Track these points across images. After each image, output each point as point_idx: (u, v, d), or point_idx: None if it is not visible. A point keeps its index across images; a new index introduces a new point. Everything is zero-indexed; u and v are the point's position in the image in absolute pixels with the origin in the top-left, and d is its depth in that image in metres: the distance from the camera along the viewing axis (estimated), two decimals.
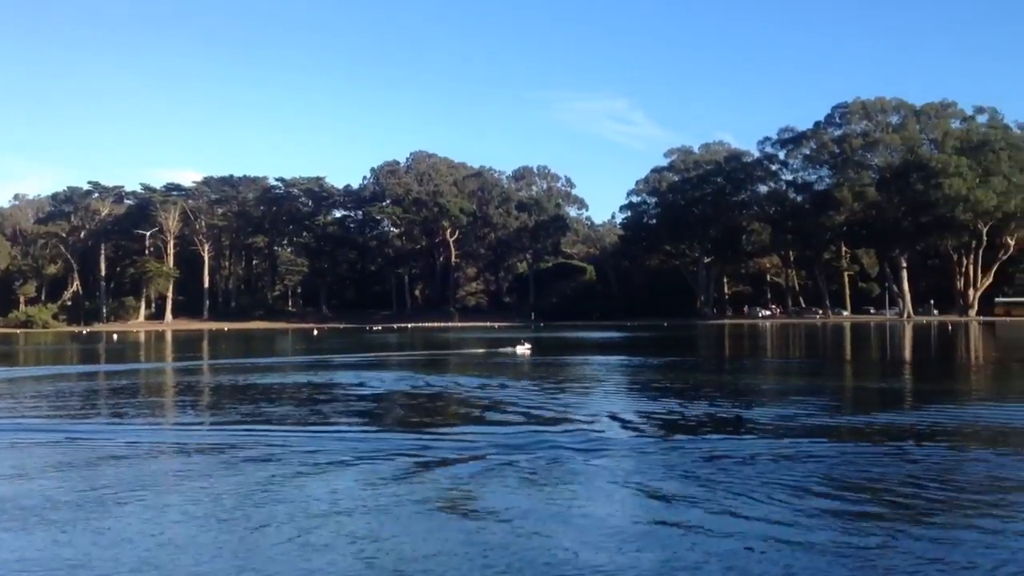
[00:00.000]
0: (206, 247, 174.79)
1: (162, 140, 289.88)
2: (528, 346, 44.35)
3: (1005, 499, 9.01)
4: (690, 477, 10.26)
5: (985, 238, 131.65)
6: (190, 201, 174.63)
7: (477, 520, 8.42)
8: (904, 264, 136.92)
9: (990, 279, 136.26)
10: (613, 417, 16.26)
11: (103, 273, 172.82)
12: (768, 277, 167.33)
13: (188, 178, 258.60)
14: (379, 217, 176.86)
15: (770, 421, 15.38)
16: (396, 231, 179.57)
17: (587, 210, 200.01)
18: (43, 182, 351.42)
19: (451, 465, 11.30)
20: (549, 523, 8.28)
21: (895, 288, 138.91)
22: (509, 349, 44.36)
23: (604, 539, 7.69)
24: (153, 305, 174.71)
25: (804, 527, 7.96)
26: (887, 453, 11.62)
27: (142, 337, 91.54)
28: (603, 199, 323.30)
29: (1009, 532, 7.69)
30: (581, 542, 7.58)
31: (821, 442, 12.65)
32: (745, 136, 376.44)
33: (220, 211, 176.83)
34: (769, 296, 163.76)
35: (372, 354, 43.94)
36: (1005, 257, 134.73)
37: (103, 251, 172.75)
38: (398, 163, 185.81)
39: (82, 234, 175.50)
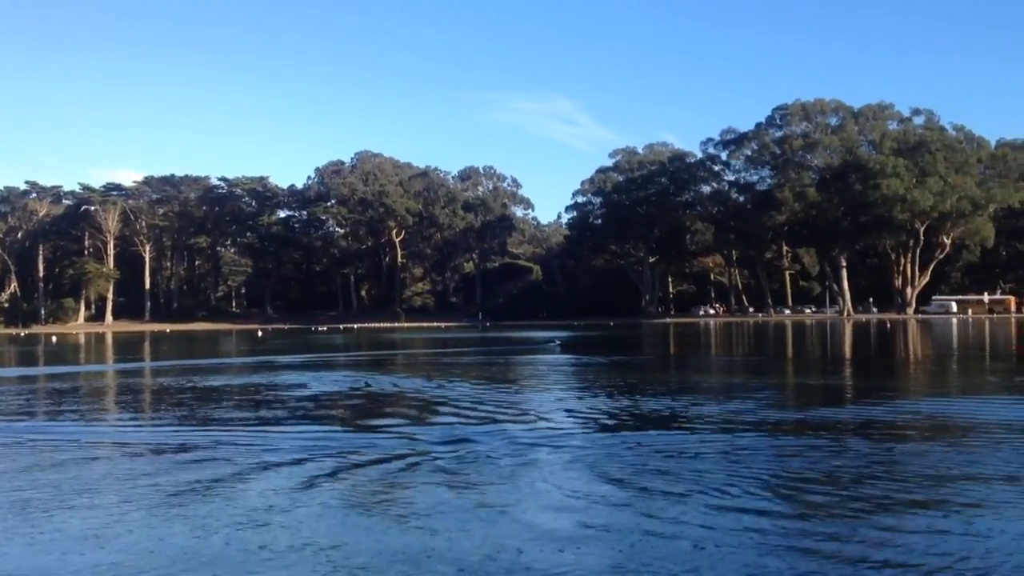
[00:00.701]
0: (147, 248, 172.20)
1: (101, 139, 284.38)
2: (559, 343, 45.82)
3: (944, 489, 9.29)
4: (636, 473, 10.42)
5: (922, 237, 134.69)
6: (130, 201, 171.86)
7: (417, 518, 8.45)
8: (844, 263, 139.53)
9: (927, 278, 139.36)
10: (559, 413, 16.41)
11: (41, 274, 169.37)
12: (712, 276, 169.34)
13: (128, 178, 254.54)
14: (324, 217, 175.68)
15: (715, 416, 15.63)
16: (341, 231, 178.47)
17: (533, 210, 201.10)
18: None
19: (392, 462, 11.33)
20: (490, 520, 8.35)
21: (835, 287, 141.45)
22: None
23: (547, 537, 7.75)
24: (93, 307, 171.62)
25: (751, 522, 8.13)
26: (829, 447, 11.90)
27: (82, 339, 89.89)
28: (549, 199, 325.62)
29: (954, 521, 7.95)
30: (523, 540, 7.64)
31: (765, 437, 12.91)
32: (688, 137, 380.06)
33: (161, 211, 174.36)
34: (713, 295, 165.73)
35: (318, 355, 43.66)
36: (941, 256, 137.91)
37: (41, 252, 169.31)
38: (343, 163, 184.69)
39: (19, 235, 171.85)
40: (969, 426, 13.96)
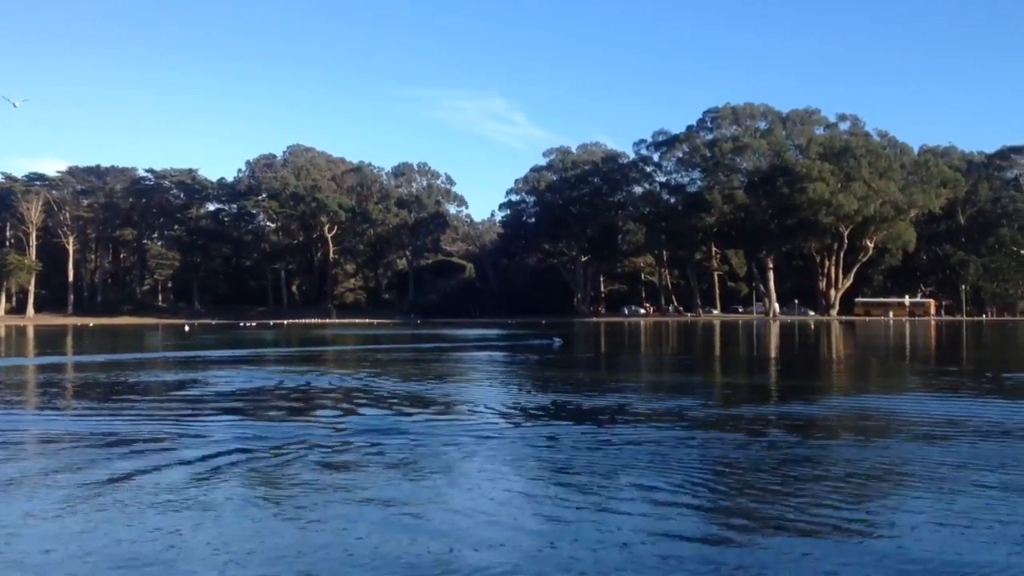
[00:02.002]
0: (71, 239, 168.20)
1: (24, 128, 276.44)
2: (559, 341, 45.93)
3: (866, 482, 9.63)
4: (564, 467, 10.58)
5: (846, 241, 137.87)
6: (54, 192, 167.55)
7: (345, 511, 8.49)
8: (771, 265, 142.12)
9: (850, 280, 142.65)
10: (489, 407, 16.55)
11: None
12: (643, 276, 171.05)
13: (52, 168, 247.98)
14: (255, 211, 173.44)
15: (644, 412, 15.90)
16: (272, 226, 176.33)
17: (467, 208, 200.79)
18: None
19: (321, 453, 11.34)
20: (423, 513, 8.44)
21: (762, 288, 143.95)
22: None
23: (480, 531, 7.83)
24: (14, 299, 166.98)
25: (676, 517, 8.33)
26: (755, 442, 12.20)
27: (2, 332, 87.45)
28: (483, 197, 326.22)
29: (874, 511, 8.27)
30: (455, 536, 7.70)
31: (692, 432, 13.18)
32: (621, 138, 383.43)
33: (86, 202, 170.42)
34: (644, 295, 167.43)
35: (247, 351, 43.14)
36: (865, 259, 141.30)
37: None
38: (275, 156, 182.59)
39: None
40: (886, 421, 14.42)
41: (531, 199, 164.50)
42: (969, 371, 27.91)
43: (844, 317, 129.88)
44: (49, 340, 63.31)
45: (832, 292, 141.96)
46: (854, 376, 26.90)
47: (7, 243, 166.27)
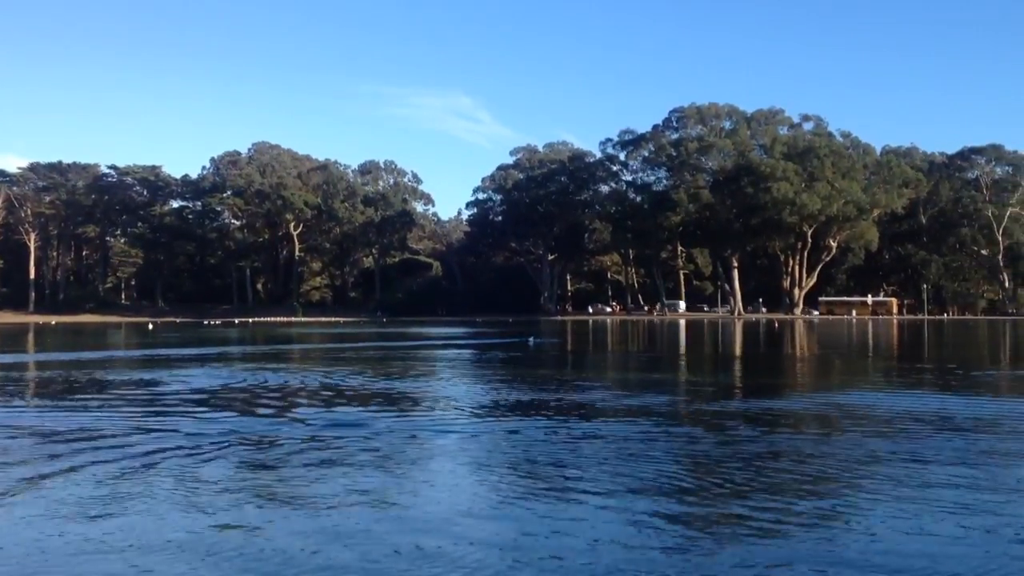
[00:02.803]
0: (32, 236, 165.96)
1: None
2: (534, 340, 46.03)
3: (832, 476, 9.73)
4: (530, 462, 10.59)
5: (810, 240, 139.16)
6: (14, 188, 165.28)
7: (307, 506, 8.45)
8: (735, 264, 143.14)
9: (814, 279, 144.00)
10: (456, 403, 16.55)
11: None
12: (609, 275, 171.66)
13: (12, 163, 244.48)
14: (219, 208, 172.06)
15: (610, 408, 15.95)
16: (237, 223, 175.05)
17: (434, 206, 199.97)
18: None
19: (284, 447, 11.27)
20: (387, 508, 8.42)
21: (727, 287, 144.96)
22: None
23: (443, 525, 7.82)
24: None
25: (645, 513, 8.37)
26: (722, 437, 12.29)
27: None
28: (450, 195, 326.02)
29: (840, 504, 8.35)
30: (421, 530, 7.68)
31: (658, 427, 13.24)
32: (587, 137, 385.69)
33: (47, 199, 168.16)
34: (610, 293, 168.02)
35: (211, 348, 42.81)
36: (828, 259, 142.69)
37: None
38: (239, 154, 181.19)
39: None
40: (851, 417, 14.57)
41: (498, 198, 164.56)
42: (932, 368, 28.27)
43: (808, 316, 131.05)
44: (10, 338, 62.42)
45: (796, 291, 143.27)
46: (818, 373, 27.16)
47: None
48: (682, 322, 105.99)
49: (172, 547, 7.09)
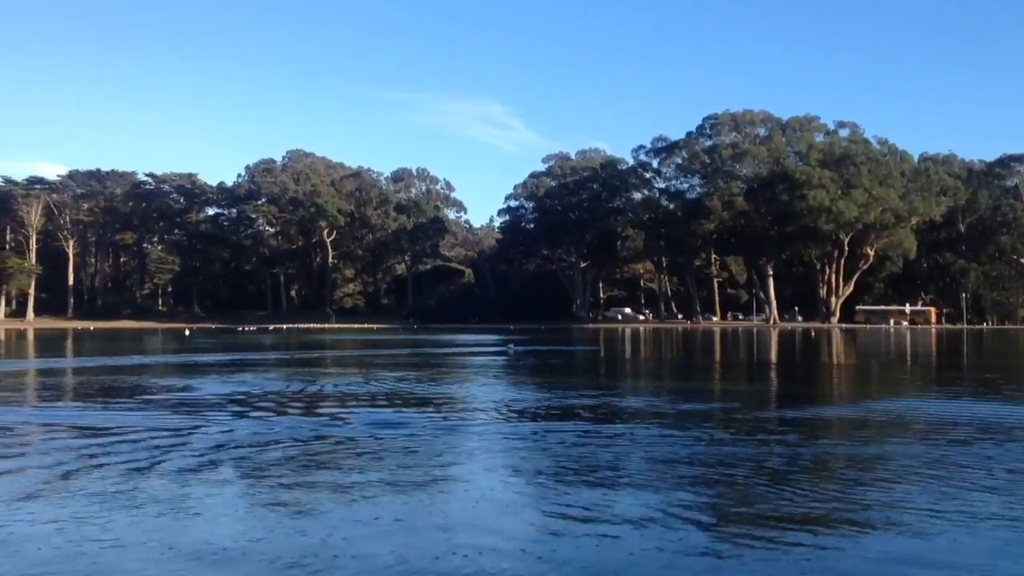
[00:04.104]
0: (71, 243, 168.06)
1: (24, 132, 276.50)
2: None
3: (861, 477, 9.55)
4: (561, 463, 10.50)
5: (846, 248, 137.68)
6: (54, 195, 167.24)
7: (346, 504, 8.45)
8: (771, 272, 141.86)
9: (851, 288, 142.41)
10: (489, 405, 16.48)
11: None
12: (642, 282, 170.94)
13: (52, 171, 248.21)
14: (254, 215, 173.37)
15: (643, 412, 15.80)
16: (272, 230, 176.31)
17: (466, 213, 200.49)
18: None
19: (327, 446, 11.27)
20: (424, 507, 8.38)
21: (762, 295, 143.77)
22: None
23: (477, 528, 7.76)
24: (14, 303, 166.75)
25: (679, 518, 8.24)
26: (755, 441, 12.11)
27: (2, 335, 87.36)
28: (482, 203, 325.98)
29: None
30: (452, 530, 7.64)
31: (684, 431, 13.08)
32: (620, 144, 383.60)
33: (86, 206, 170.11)
34: (643, 301, 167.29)
35: (251, 354, 43.09)
36: (865, 267, 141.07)
37: None
38: (274, 161, 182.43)
39: None
40: (897, 423, 14.32)
41: (530, 205, 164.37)
42: (975, 379, 27.83)
43: (845, 325, 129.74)
44: (49, 344, 63.23)
45: (833, 300, 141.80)
46: (861, 382, 26.81)
47: (7, 247, 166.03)
48: (716, 330, 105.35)
49: (215, 542, 7.10)
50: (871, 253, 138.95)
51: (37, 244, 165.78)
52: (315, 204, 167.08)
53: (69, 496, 8.81)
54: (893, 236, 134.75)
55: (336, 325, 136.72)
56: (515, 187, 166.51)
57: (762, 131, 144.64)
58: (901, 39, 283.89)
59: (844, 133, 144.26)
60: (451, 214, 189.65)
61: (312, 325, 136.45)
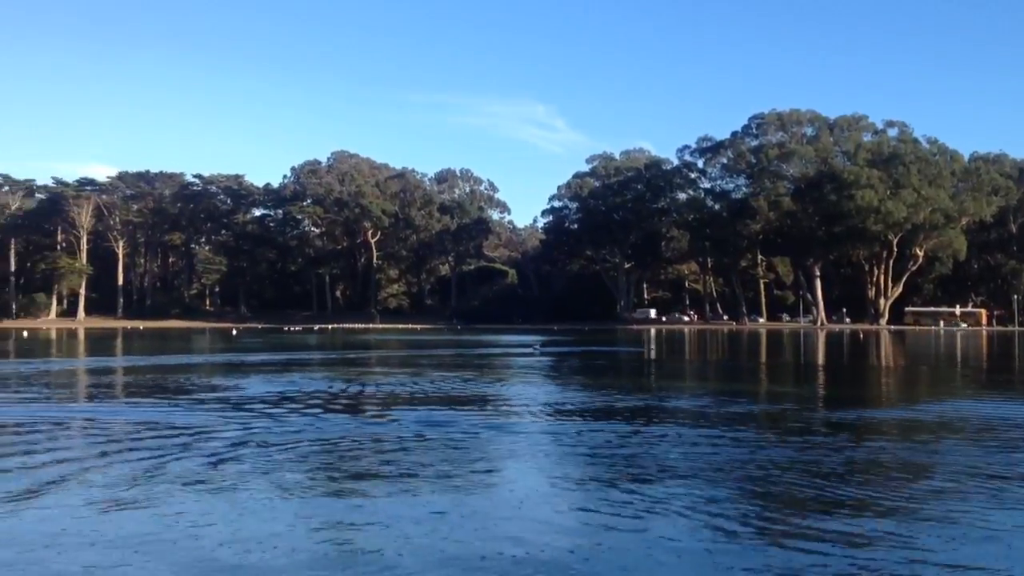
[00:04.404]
0: (120, 244, 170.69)
1: (75, 134, 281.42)
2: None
3: (912, 482, 9.42)
4: (606, 462, 10.46)
5: (896, 249, 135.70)
6: (104, 196, 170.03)
7: (396, 503, 8.50)
8: (818, 273, 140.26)
9: (900, 289, 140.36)
10: (531, 406, 16.48)
11: (13, 269, 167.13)
12: (687, 283, 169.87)
13: (102, 173, 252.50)
14: (300, 216, 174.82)
15: (690, 412, 15.70)
16: (317, 231, 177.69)
17: (509, 214, 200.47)
18: None
19: (380, 445, 11.35)
20: (471, 506, 8.41)
21: (809, 296, 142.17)
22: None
23: (521, 529, 7.75)
24: (65, 302, 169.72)
25: (725, 516, 8.18)
26: (802, 443, 11.99)
27: (53, 335, 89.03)
28: (525, 203, 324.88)
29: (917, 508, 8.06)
30: (495, 528, 7.65)
31: (727, 433, 12.98)
32: (665, 144, 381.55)
33: (135, 207, 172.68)
34: (687, 302, 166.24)
35: (301, 354, 43.51)
36: (914, 268, 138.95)
37: (13, 246, 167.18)
38: (319, 163, 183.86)
39: None
40: (954, 426, 14.11)
41: (574, 205, 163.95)
42: None
43: (893, 326, 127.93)
44: (101, 343, 64.33)
45: (881, 301, 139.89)
46: (916, 385, 26.44)
47: (59, 247, 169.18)
48: (763, 332, 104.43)
49: (271, 538, 7.19)
50: (920, 254, 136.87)
51: (88, 244, 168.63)
52: (360, 205, 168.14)
53: (166, 485, 8.94)
54: (943, 237, 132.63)
55: (380, 325, 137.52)
56: (559, 188, 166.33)
57: (809, 131, 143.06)
58: (952, 38, 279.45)
59: (893, 132, 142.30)
60: (495, 215, 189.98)
61: (356, 325, 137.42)
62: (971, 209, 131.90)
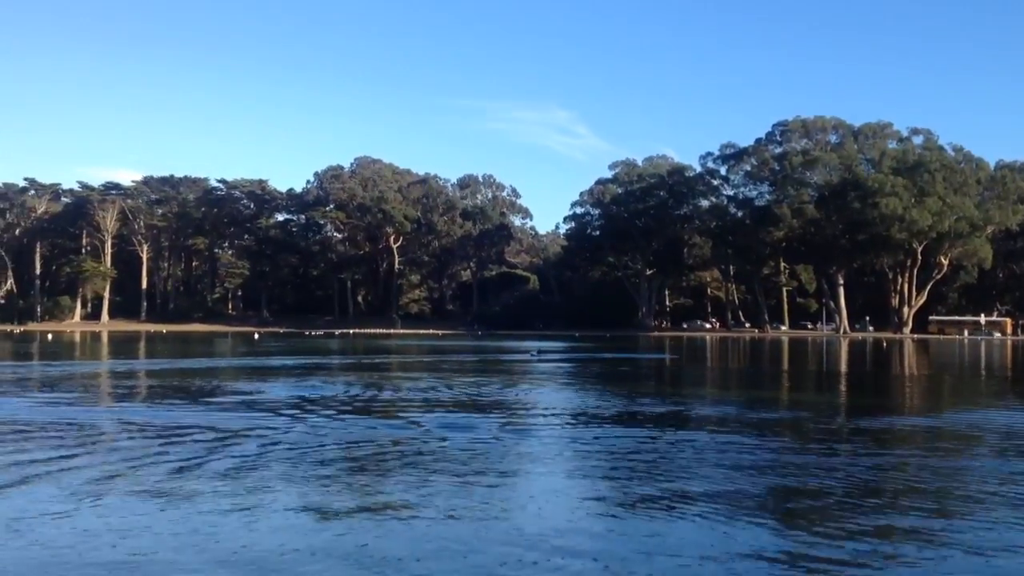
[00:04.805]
0: (144, 247, 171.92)
1: (100, 138, 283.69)
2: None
3: (934, 489, 9.34)
4: (627, 466, 10.44)
5: (920, 257, 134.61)
6: (128, 200, 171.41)
7: (414, 509, 8.51)
8: (841, 281, 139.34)
9: (924, 297, 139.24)
10: (555, 409, 16.49)
11: (38, 272, 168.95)
12: (709, 291, 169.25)
13: (127, 177, 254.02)
14: (322, 221, 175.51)
15: (712, 418, 15.64)
16: (339, 236, 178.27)
17: (531, 220, 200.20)
18: None
19: (400, 448, 11.38)
20: (490, 514, 8.40)
21: (832, 304, 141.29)
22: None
23: (541, 536, 7.74)
24: (89, 305, 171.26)
25: (749, 526, 8.15)
26: (826, 450, 11.92)
27: (77, 337, 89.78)
28: (547, 209, 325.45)
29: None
30: (517, 536, 7.64)
31: (761, 440, 12.92)
32: (688, 151, 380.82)
33: (159, 211, 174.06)
34: (709, 309, 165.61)
35: (317, 359, 43.67)
36: (939, 276, 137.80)
37: (38, 249, 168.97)
38: (342, 168, 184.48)
39: (17, 231, 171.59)
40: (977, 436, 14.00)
41: (596, 211, 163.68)
42: None
43: (917, 335, 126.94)
44: (125, 346, 64.81)
45: (905, 309, 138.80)
46: (935, 393, 26.24)
47: (84, 250, 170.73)
48: (785, 340, 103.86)
49: (294, 538, 7.22)
50: (945, 262, 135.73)
51: (112, 248, 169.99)
52: (382, 210, 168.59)
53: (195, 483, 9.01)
54: (968, 245, 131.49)
55: (401, 331, 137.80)
56: (581, 194, 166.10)
57: (833, 138, 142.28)
58: (979, 45, 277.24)
59: (918, 140, 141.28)
60: (516, 221, 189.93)
61: (378, 330, 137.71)
62: (997, 217, 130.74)
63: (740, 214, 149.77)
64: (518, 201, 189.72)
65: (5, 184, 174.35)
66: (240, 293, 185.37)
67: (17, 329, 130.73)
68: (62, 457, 11.12)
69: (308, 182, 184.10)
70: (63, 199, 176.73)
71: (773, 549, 7.09)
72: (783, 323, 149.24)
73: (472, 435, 13.01)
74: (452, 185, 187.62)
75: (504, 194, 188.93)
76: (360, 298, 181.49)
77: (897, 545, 7.22)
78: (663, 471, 10.23)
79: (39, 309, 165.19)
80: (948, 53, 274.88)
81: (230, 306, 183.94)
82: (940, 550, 7.08)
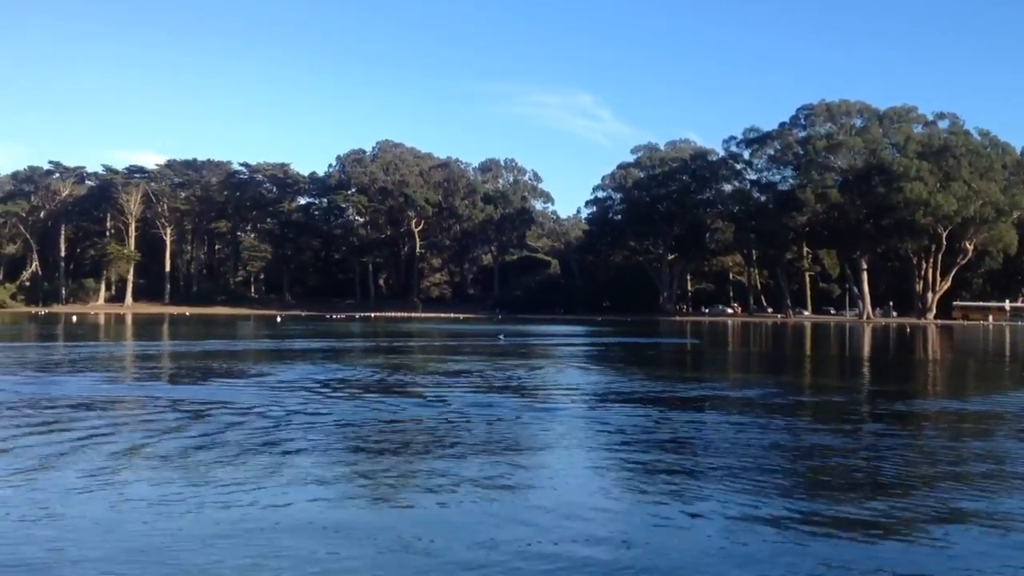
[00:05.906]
0: (168, 230, 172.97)
1: (124, 122, 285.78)
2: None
3: (956, 472, 9.31)
4: (647, 448, 10.45)
5: (944, 242, 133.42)
6: (152, 184, 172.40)
7: (434, 490, 8.57)
8: (865, 266, 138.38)
9: (948, 283, 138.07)
10: (576, 391, 16.51)
11: (63, 254, 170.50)
12: (731, 275, 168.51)
13: (151, 160, 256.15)
14: (344, 205, 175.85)
15: (733, 400, 15.63)
16: (361, 220, 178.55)
17: (553, 204, 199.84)
18: (3, 161, 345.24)
19: (422, 426, 11.44)
20: (509, 494, 8.44)
21: (855, 289, 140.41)
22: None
23: (559, 517, 7.74)
24: (113, 288, 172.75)
25: (767, 507, 8.15)
26: (849, 432, 11.89)
27: (101, 319, 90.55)
28: (569, 193, 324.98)
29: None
30: (536, 517, 7.65)
31: (770, 420, 12.89)
32: (711, 135, 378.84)
33: (183, 195, 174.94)
34: (731, 294, 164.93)
35: (339, 342, 43.88)
36: (963, 262, 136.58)
37: (63, 232, 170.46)
38: (364, 152, 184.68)
39: (42, 214, 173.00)
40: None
41: (618, 196, 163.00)
42: None
43: (941, 321, 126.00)
44: (148, 327, 65.31)
45: (929, 295, 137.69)
46: (959, 378, 26.10)
47: (108, 234, 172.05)
48: (808, 325, 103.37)
49: (319, 515, 7.29)
50: (970, 248, 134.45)
51: (136, 231, 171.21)
52: (404, 194, 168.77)
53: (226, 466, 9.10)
54: (993, 230, 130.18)
55: (422, 314, 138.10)
56: (603, 178, 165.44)
57: (858, 122, 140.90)
58: (1005, 28, 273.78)
59: (943, 124, 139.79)
60: (538, 205, 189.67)
61: (399, 314, 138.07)
62: (1022, 203, 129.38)
63: (763, 198, 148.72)
64: (539, 185, 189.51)
65: (30, 167, 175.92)
66: (262, 276, 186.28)
67: (42, 311, 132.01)
68: (91, 434, 11.24)
69: (330, 166, 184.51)
70: (87, 182, 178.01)
71: (796, 525, 7.09)
72: (806, 308, 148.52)
73: (496, 412, 13.09)
74: (474, 169, 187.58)
75: (526, 178, 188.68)
76: (382, 282, 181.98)
77: (919, 524, 7.20)
78: (684, 451, 10.24)
79: (64, 291, 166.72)
80: (974, 37, 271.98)
81: (252, 289, 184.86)
82: (964, 526, 7.07)
